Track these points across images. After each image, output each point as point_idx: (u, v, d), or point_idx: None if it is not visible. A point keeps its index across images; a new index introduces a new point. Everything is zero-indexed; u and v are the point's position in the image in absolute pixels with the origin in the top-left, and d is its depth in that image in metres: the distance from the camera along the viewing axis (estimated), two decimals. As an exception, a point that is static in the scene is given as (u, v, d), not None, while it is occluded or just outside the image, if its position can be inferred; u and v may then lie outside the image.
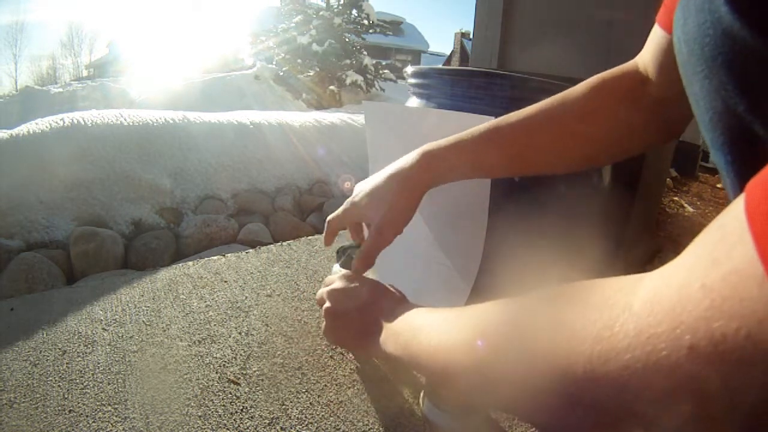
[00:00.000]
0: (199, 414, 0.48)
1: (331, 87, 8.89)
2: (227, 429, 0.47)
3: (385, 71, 9.88)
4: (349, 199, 0.55)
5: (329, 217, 0.57)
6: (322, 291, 0.53)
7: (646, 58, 0.44)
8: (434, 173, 0.50)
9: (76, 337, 0.59)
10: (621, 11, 0.85)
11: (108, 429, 0.46)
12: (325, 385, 0.54)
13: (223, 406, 0.50)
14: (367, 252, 0.53)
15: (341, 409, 0.51)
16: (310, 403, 0.51)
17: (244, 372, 0.55)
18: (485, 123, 0.49)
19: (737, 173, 0.24)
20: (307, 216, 2.55)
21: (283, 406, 0.50)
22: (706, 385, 0.16)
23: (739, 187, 0.23)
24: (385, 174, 0.52)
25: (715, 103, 0.24)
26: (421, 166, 0.50)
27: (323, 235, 0.58)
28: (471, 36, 1.25)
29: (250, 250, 0.89)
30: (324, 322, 0.52)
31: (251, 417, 0.48)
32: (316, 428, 0.48)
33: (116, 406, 0.49)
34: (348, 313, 0.50)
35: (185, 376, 0.53)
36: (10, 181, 2.02)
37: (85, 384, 0.51)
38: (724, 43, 0.23)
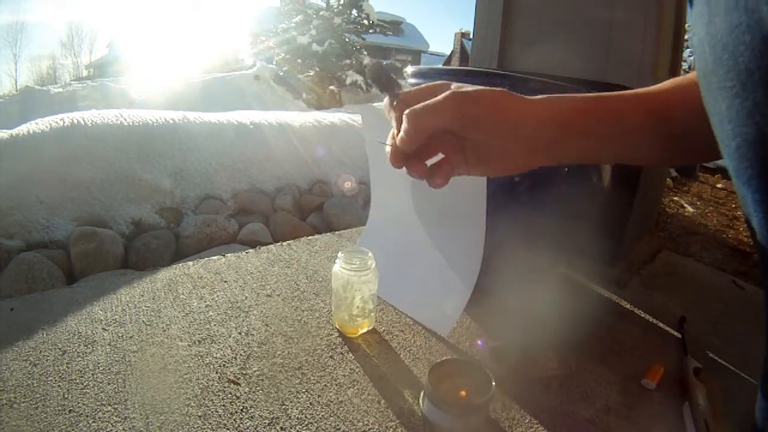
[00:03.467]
0: (199, 414, 0.48)
1: (331, 87, 8.89)
2: (227, 429, 0.47)
3: (385, 71, 9.86)
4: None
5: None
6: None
7: None
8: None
9: (76, 337, 0.59)
10: (621, 11, 0.85)
11: (108, 429, 0.46)
12: (325, 385, 0.54)
13: (223, 406, 0.50)
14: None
15: (341, 409, 0.51)
16: (310, 403, 0.51)
17: (244, 372, 0.55)
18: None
19: (766, 213, 0.20)
20: (307, 216, 2.55)
21: (283, 406, 0.50)
22: None
23: None
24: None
25: (746, 129, 0.20)
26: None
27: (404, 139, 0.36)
28: (471, 36, 1.25)
29: (250, 250, 0.89)
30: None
31: (251, 417, 0.48)
32: (316, 428, 0.48)
33: (116, 406, 0.49)
34: None
35: (185, 376, 0.53)
36: (10, 181, 2.02)
37: (85, 384, 0.51)
38: (765, 54, 0.18)
